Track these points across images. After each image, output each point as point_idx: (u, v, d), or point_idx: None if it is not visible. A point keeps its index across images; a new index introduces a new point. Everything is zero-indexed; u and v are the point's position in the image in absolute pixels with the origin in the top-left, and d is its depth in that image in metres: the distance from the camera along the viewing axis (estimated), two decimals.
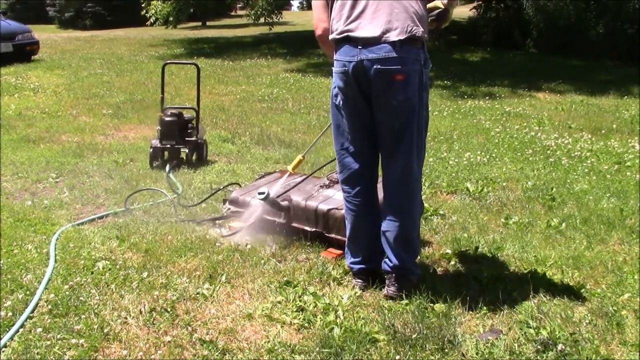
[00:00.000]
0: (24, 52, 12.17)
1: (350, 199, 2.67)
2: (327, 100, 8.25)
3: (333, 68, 2.57)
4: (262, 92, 8.94)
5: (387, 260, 2.62)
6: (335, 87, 2.57)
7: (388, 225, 2.58)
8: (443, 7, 2.65)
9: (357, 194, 2.65)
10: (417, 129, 2.49)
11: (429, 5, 2.60)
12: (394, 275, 2.59)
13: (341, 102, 2.56)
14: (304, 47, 15.06)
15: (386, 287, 2.62)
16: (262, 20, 17.66)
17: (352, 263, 2.74)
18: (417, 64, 2.44)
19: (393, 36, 2.39)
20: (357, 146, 2.61)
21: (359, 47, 2.43)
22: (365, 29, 2.43)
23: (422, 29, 2.44)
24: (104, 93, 8.63)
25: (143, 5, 18.44)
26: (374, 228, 2.65)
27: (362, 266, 2.71)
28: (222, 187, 4.04)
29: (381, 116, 2.50)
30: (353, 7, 2.48)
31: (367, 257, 2.70)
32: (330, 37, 2.57)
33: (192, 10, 20.08)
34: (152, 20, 17.88)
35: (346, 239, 2.78)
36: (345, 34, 2.47)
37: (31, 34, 12.74)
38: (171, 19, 17.80)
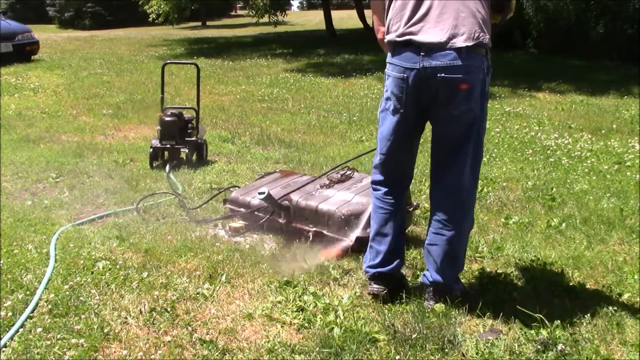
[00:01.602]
0: (24, 52, 12.18)
1: (383, 197, 2.58)
2: (327, 100, 8.27)
3: (387, 71, 2.43)
4: (262, 92, 8.94)
5: (427, 273, 2.53)
6: (388, 91, 2.43)
7: (435, 239, 2.46)
8: None
9: (391, 195, 2.57)
10: (475, 141, 2.38)
11: None
12: (432, 289, 2.50)
13: (391, 108, 2.43)
14: (304, 47, 15.08)
15: (425, 300, 2.53)
16: (266, 18, 17.71)
17: (369, 267, 2.60)
18: (481, 72, 2.32)
19: (460, 42, 2.25)
20: (398, 152, 2.51)
21: (422, 53, 2.28)
22: (430, 33, 2.28)
23: (488, 36, 2.31)
24: (104, 93, 8.63)
25: (141, 3, 18.50)
26: (399, 230, 2.61)
27: (381, 270, 2.56)
28: (222, 189, 4.04)
29: (440, 126, 2.40)
30: (416, 7, 2.32)
31: (387, 259, 2.57)
32: (387, 38, 2.42)
33: (192, 8, 20.13)
34: (153, 17, 17.94)
35: (369, 241, 2.64)
36: (407, 37, 2.31)
37: (31, 34, 12.74)
38: (174, 16, 17.89)
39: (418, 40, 2.29)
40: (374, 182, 2.63)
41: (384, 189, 2.59)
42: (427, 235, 2.53)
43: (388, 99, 2.45)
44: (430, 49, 2.28)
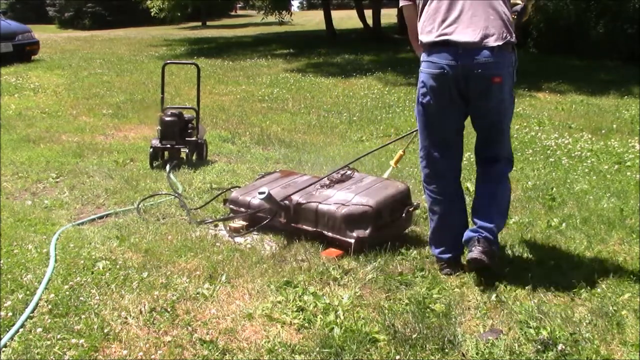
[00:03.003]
0: (24, 52, 12.19)
1: (437, 191, 2.82)
2: (327, 100, 8.27)
3: (423, 69, 2.68)
4: (262, 92, 8.94)
5: (478, 221, 2.70)
6: (423, 87, 2.69)
7: (483, 192, 2.78)
8: (522, 3, 2.84)
9: (443, 187, 2.81)
10: (506, 124, 2.78)
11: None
12: (480, 239, 2.65)
13: (430, 101, 2.70)
14: (304, 47, 15.07)
15: (470, 252, 2.65)
16: (269, 18, 17.87)
17: (439, 253, 2.84)
18: (510, 66, 2.63)
19: (491, 42, 2.54)
20: (442, 143, 2.78)
21: (460, 51, 2.56)
22: (464, 33, 2.56)
23: (514, 35, 2.61)
24: (104, 93, 8.63)
25: (141, 1, 18.61)
26: (461, 220, 2.86)
27: (448, 255, 2.82)
28: (224, 190, 4.04)
29: (477, 115, 2.73)
30: (449, 10, 2.60)
31: (450, 247, 2.82)
32: (423, 39, 2.66)
33: (189, 9, 20.28)
34: (155, 11, 18.11)
35: (429, 232, 2.89)
36: (444, 37, 2.58)
37: (31, 34, 12.75)
38: (176, 14, 18.06)
39: (455, 39, 2.57)
40: (425, 178, 2.86)
41: (435, 182, 2.82)
42: (475, 198, 2.82)
43: (424, 94, 2.71)
44: (467, 48, 2.56)
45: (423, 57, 2.70)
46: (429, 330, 2.28)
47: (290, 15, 19.96)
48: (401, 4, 2.82)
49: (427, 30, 2.65)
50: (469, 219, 2.89)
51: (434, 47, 2.62)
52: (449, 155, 2.81)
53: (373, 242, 3.05)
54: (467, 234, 2.72)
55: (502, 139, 2.78)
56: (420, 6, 2.71)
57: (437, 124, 2.75)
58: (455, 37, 2.56)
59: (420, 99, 2.74)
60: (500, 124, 2.75)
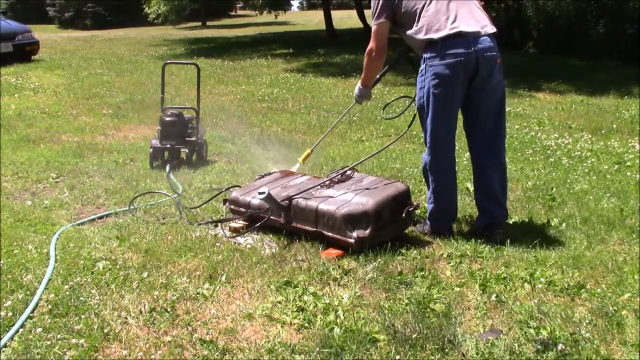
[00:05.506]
0: (24, 52, 12.20)
1: (450, 165, 3.23)
2: (327, 100, 8.27)
3: (435, 63, 3.02)
4: (262, 92, 8.94)
5: (494, 210, 3.24)
6: (435, 79, 3.05)
7: (491, 181, 3.22)
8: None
9: (453, 160, 3.25)
10: (504, 102, 3.24)
11: None
12: (499, 225, 3.22)
13: (444, 90, 3.06)
14: (304, 47, 15.08)
15: (491, 236, 3.16)
16: (267, 17, 17.95)
17: (445, 226, 3.30)
18: (498, 50, 3.13)
19: (489, 30, 3.08)
20: (452, 123, 3.18)
21: (470, 40, 3.01)
22: (468, 25, 3.02)
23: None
24: (104, 93, 8.63)
25: (144, 4, 18.63)
26: (456, 194, 3.37)
27: (451, 223, 3.34)
28: (223, 190, 4.03)
29: (484, 95, 3.12)
30: (448, 10, 3.05)
31: (454, 214, 3.35)
32: (433, 36, 3.02)
33: (191, 8, 20.31)
34: (152, 16, 18.14)
35: (435, 211, 3.27)
36: (456, 29, 3.00)
37: (31, 34, 12.76)
38: (172, 17, 18.11)
39: (465, 30, 3.01)
40: (432, 162, 3.20)
41: (449, 157, 3.22)
42: (480, 190, 3.30)
43: (436, 85, 3.05)
44: (474, 36, 3.03)
45: (430, 53, 3.05)
46: (429, 330, 2.28)
47: (285, 11, 20.06)
48: (380, 22, 3.22)
49: (435, 29, 3.03)
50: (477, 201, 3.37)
51: (446, 41, 3.00)
52: (453, 138, 3.21)
53: (373, 242, 3.05)
54: (483, 219, 3.27)
55: (504, 121, 3.27)
56: (418, 10, 3.08)
57: (449, 109, 3.13)
58: (464, 29, 2.99)
59: (432, 90, 3.07)
60: (504, 100, 3.22)
